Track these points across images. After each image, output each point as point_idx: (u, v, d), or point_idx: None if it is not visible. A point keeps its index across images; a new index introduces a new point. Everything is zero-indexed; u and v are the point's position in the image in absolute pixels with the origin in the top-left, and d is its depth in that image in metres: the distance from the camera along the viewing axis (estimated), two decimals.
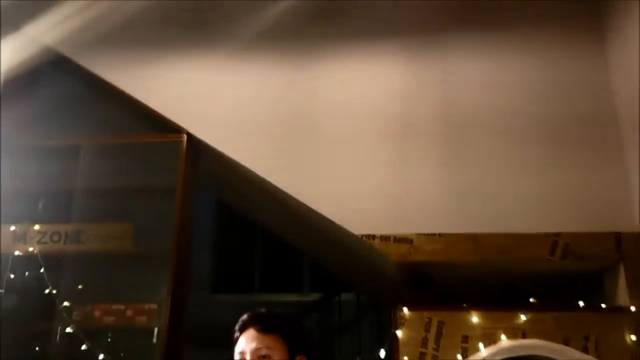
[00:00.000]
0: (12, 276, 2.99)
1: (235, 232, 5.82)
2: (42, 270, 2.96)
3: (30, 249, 3.03)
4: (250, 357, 1.73)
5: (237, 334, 1.82)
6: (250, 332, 1.78)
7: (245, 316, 1.84)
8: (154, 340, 2.87)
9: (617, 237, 2.87)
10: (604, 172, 3.00)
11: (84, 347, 2.80)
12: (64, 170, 3.24)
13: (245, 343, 1.76)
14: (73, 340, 2.85)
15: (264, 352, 1.74)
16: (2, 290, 2.97)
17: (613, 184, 2.97)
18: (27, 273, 3.05)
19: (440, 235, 2.97)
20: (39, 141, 3.27)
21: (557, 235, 2.90)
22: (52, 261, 3.04)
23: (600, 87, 3.14)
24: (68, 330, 2.85)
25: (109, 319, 2.94)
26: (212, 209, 5.88)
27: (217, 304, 5.28)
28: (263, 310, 1.87)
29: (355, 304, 4.97)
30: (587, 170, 3.01)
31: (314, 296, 5.36)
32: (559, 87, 3.16)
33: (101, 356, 2.78)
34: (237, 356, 1.78)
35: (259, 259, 5.85)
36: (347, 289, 5.05)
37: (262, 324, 1.78)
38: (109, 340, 2.94)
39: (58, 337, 2.93)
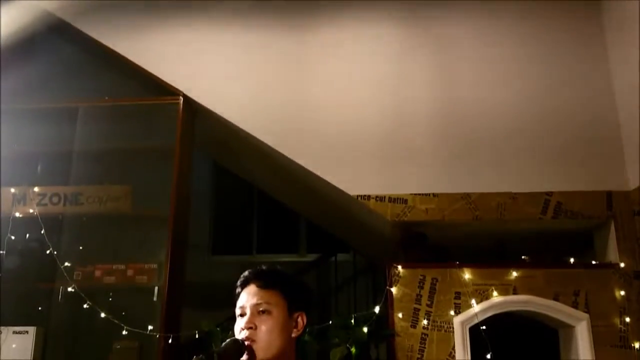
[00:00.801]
0: (12, 238, 3.02)
1: (233, 195, 5.86)
2: (42, 232, 2.99)
3: (30, 210, 3.06)
4: (250, 312, 1.77)
5: (238, 289, 1.85)
6: (251, 288, 1.80)
7: (246, 272, 1.87)
8: (154, 298, 2.94)
9: (608, 196, 2.92)
10: (598, 131, 3.02)
11: (85, 306, 2.85)
12: (62, 132, 3.25)
13: (246, 298, 1.79)
14: (75, 300, 2.90)
15: (263, 307, 1.77)
16: (4, 252, 3.00)
17: (606, 143, 3.00)
18: (27, 235, 3.09)
19: (434, 195, 3.01)
20: (36, 104, 3.27)
21: (549, 194, 2.95)
22: (52, 223, 3.07)
23: None
24: (70, 290, 2.90)
25: (110, 279, 2.99)
26: (210, 173, 5.90)
27: (216, 266, 5.36)
28: (264, 267, 1.90)
29: (352, 264, 5.05)
30: (580, 130, 3.03)
31: (311, 257, 5.43)
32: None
33: (103, 314, 2.83)
34: (237, 310, 1.82)
35: (257, 221, 5.91)
36: (343, 249, 5.13)
37: (263, 280, 1.81)
38: (110, 299, 3.00)
39: (60, 297, 2.99)
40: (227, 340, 1.76)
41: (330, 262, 5.11)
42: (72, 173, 3.21)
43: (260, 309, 1.76)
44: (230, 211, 5.91)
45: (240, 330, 1.75)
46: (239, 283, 1.84)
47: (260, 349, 1.72)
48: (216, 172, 5.85)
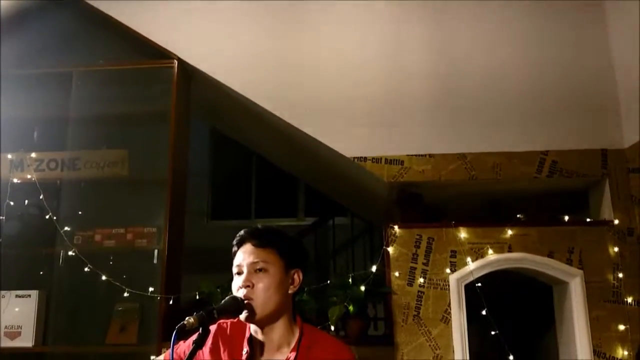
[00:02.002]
0: (12, 203, 3.04)
1: (231, 160, 5.87)
2: (41, 197, 3.00)
3: (28, 176, 3.07)
4: (247, 270, 1.79)
5: (234, 248, 1.87)
6: (247, 247, 1.83)
7: (242, 231, 1.89)
8: (155, 261, 2.97)
9: (603, 154, 2.94)
10: (593, 89, 3.02)
11: (86, 269, 2.89)
12: (57, 98, 3.24)
13: (243, 257, 1.82)
14: (76, 264, 2.94)
15: (260, 265, 1.79)
16: (3, 218, 3.03)
17: (602, 101, 3.00)
18: (26, 201, 3.10)
19: (430, 156, 3.02)
20: (30, 70, 3.25)
21: (545, 153, 2.96)
22: (51, 188, 3.09)
23: None
24: (70, 254, 2.93)
25: (110, 243, 3.03)
26: (207, 139, 5.91)
27: (215, 231, 5.41)
28: (260, 226, 1.92)
29: (349, 227, 5.10)
30: (576, 88, 3.03)
31: (309, 220, 5.47)
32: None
33: (104, 277, 2.87)
34: (234, 269, 1.85)
35: (255, 185, 5.93)
36: (341, 213, 5.17)
37: (259, 239, 1.83)
38: (111, 262, 3.04)
39: (61, 261, 3.03)
40: (227, 297, 1.79)
41: (328, 225, 5.15)
42: (69, 139, 3.21)
43: (257, 267, 1.79)
44: (228, 176, 5.93)
45: (237, 289, 1.79)
46: (235, 242, 1.87)
47: (258, 306, 1.76)
48: (214, 137, 5.86)
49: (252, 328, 1.84)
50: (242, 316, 1.77)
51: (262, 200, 5.85)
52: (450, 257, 2.88)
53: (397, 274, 2.88)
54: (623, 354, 2.70)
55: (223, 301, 1.77)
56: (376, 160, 3.05)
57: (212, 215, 5.81)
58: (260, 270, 1.78)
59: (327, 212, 5.11)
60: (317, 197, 5.21)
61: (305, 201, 5.84)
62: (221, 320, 1.89)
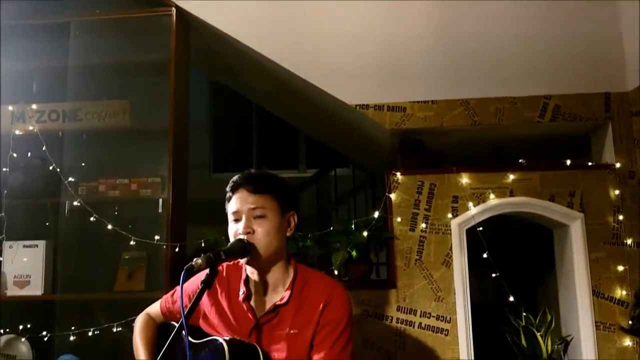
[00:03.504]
0: (15, 155, 3.05)
1: (232, 113, 5.85)
2: (44, 149, 3.00)
3: (30, 128, 3.06)
4: (246, 217, 1.81)
5: (229, 194, 1.88)
6: (243, 193, 1.84)
7: (236, 177, 1.89)
8: (160, 210, 3.00)
9: (607, 97, 2.92)
10: (597, 32, 2.98)
11: (92, 219, 2.91)
12: (56, 49, 3.20)
13: (240, 203, 1.83)
14: (81, 214, 2.96)
15: (259, 212, 1.82)
16: (7, 169, 3.04)
17: (605, 44, 2.96)
18: (29, 153, 3.11)
19: (433, 102, 3.01)
20: (27, 20, 3.20)
21: (548, 97, 2.95)
22: (53, 139, 3.09)
23: None
24: (75, 204, 2.95)
25: (114, 193, 3.03)
26: (208, 92, 5.86)
27: (217, 183, 5.40)
28: (253, 171, 1.93)
29: (351, 178, 5.12)
30: (580, 31, 2.98)
31: (310, 172, 5.48)
32: None
33: (110, 226, 2.90)
34: (231, 216, 1.86)
35: (256, 138, 5.92)
36: (342, 164, 5.18)
37: (254, 185, 1.84)
38: (116, 213, 3.07)
39: (67, 211, 3.06)
40: (233, 240, 1.82)
41: (329, 177, 5.17)
42: (69, 90, 3.19)
43: (256, 214, 1.81)
44: (229, 129, 5.91)
45: (235, 234, 1.81)
46: (228, 188, 1.88)
47: (259, 250, 1.79)
48: (214, 91, 5.81)
49: (248, 270, 1.89)
50: (244, 260, 1.81)
51: (263, 152, 5.85)
52: (452, 202, 2.91)
53: (399, 219, 2.91)
54: (621, 293, 2.76)
55: (230, 244, 1.80)
56: (378, 107, 3.04)
57: (214, 168, 5.83)
58: (259, 216, 1.81)
59: (328, 163, 5.12)
60: (318, 148, 5.22)
61: (307, 153, 5.84)
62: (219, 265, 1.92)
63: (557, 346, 2.85)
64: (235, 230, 1.82)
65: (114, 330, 2.82)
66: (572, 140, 3.18)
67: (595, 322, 2.76)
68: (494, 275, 2.80)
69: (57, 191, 3.05)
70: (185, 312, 1.60)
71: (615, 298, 2.77)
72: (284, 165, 5.72)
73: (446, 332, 2.79)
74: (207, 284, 1.68)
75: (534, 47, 2.98)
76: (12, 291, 2.94)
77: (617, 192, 2.84)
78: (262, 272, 1.85)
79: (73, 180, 3.01)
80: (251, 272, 1.88)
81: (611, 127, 2.91)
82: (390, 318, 2.83)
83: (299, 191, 4.76)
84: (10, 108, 3.11)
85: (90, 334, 2.86)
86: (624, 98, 2.91)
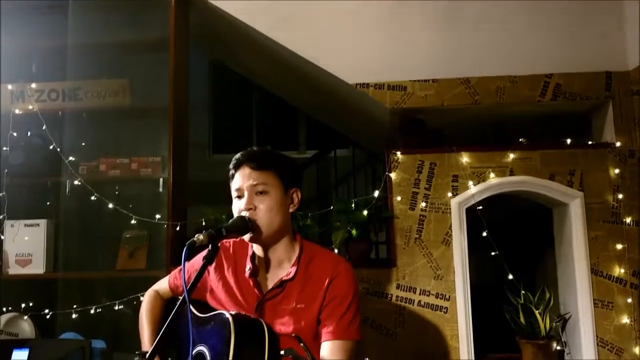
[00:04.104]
0: (15, 134, 3.05)
1: (232, 93, 5.83)
2: (44, 128, 3.00)
3: (30, 107, 3.05)
4: (248, 193, 1.83)
5: (232, 171, 1.90)
6: (246, 170, 1.86)
7: (239, 155, 1.91)
8: (160, 189, 3.01)
9: (608, 76, 2.92)
10: (599, 11, 2.96)
11: (93, 198, 2.92)
12: (55, 28, 3.18)
13: (242, 180, 1.85)
14: (82, 193, 2.97)
15: (261, 188, 1.84)
16: (7, 148, 3.04)
17: (606, 23, 2.95)
18: (29, 132, 3.10)
19: (433, 80, 3.00)
20: None
21: (549, 76, 2.94)
22: (53, 119, 3.09)
23: None
24: (76, 183, 2.96)
25: (115, 172, 3.04)
26: (207, 73, 5.84)
27: (217, 164, 5.41)
28: (256, 148, 1.94)
29: (351, 159, 5.12)
30: (581, 9, 2.97)
31: (310, 153, 5.49)
32: None
33: (110, 205, 2.91)
34: (234, 193, 1.88)
35: (256, 119, 5.91)
36: (342, 145, 5.18)
37: (257, 162, 1.86)
38: (117, 192, 3.07)
39: (67, 190, 3.07)
40: (235, 217, 1.84)
41: (329, 158, 5.18)
42: (68, 69, 3.18)
43: (258, 190, 1.83)
44: (229, 110, 5.90)
45: (239, 211, 1.83)
46: (231, 165, 1.90)
47: (261, 226, 1.81)
48: (214, 71, 5.79)
49: (254, 246, 1.91)
50: (247, 237, 1.83)
51: (263, 133, 5.85)
52: (452, 181, 2.91)
53: (399, 198, 2.92)
54: (620, 272, 2.77)
55: (231, 220, 1.82)
56: (379, 86, 3.03)
57: (214, 149, 5.83)
58: (261, 192, 1.83)
59: (328, 144, 5.12)
60: (319, 129, 5.21)
61: (307, 134, 5.83)
62: (224, 240, 1.95)
63: (555, 324, 2.88)
64: (238, 207, 1.84)
65: (116, 308, 2.84)
66: (573, 120, 3.18)
67: (594, 299, 2.78)
68: (493, 253, 2.81)
69: (57, 170, 3.06)
70: (188, 286, 1.62)
71: (614, 276, 2.78)
72: (284, 146, 5.71)
73: (445, 310, 2.82)
74: (208, 260, 1.70)
75: (536, 25, 2.96)
76: (14, 269, 2.96)
77: (617, 171, 2.84)
78: (267, 248, 1.87)
79: (73, 159, 3.02)
80: (257, 249, 1.90)
81: (612, 106, 2.91)
82: (389, 296, 2.85)
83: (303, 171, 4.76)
84: (10, 87, 3.11)
85: (92, 312, 2.87)
86: (625, 77, 2.90)
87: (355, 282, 1.85)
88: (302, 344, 1.44)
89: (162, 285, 2.10)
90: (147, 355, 1.43)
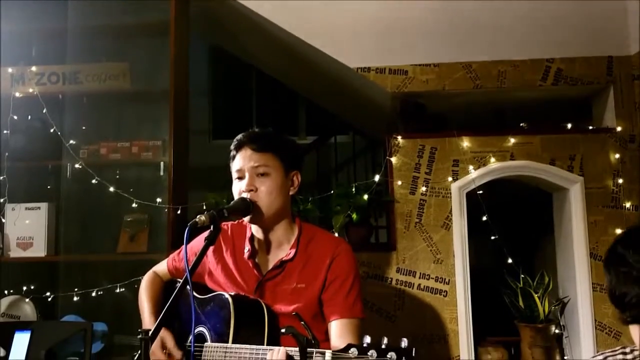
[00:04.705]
0: (15, 117, 3.04)
1: (231, 80, 5.81)
2: (44, 111, 2.99)
3: (30, 90, 3.05)
4: (249, 175, 1.83)
5: (233, 152, 1.90)
6: (246, 151, 1.86)
7: (240, 136, 1.91)
8: (161, 173, 3.01)
9: (609, 61, 2.91)
10: None
11: (94, 181, 2.92)
12: (54, 10, 3.16)
13: (243, 162, 1.85)
14: (83, 177, 2.97)
15: (261, 170, 1.84)
16: (8, 132, 3.03)
17: (608, 7, 2.93)
18: (29, 115, 3.10)
19: (435, 65, 2.99)
20: None
21: (550, 60, 2.93)
22: (53, 102, 3.07)
23: None
24: (77, 166, 2.96)
25: (116, 156, 3.03)
26: (207, 59, 5.81)
27: (217, 150, 5.39)
28: (257, 129, 1.94)
29: (351, 145, 5.11)
30: None
31: (310, 139, 5.47)
32: None
33: (111, 189, 2.91)
34: (234, 174, 1.89)
35: (256, 104, 5.90)
36: (342, 131, 5.17)
37: (258, 143, 1.86)
38: (117, 176, 3.07)
39: (68, 174, 3.07)
40: (236, 198, 1.84)
41: (329, 144, 5.16)
42: (68, 52, 3.16)
43: (259, 171, 1.83)
44: (229, 96, 5.88)
45: (239, 193, 1.83)
46: (232, 147, 1.90)
47: (262, 208, 1.81)
48: (214, 56, 5.76)
49: (253, 228, 1.91)
50: (247, 218, 1.83)
51: (263, 119, 5.82)
52: (453, 166, 2.92)
53: (399, 183, 2.93)
54: None
55: (232, 202, 1.82)
56: (380, 70, 3.02)
57: (214, 134, 5.82)
58: (262, 174, 1.83)
59: (328, 130, 5.11)
60: (319, 115, 5.19)
61: (307, 120, 5.82)
62: (222, 223, 1.95)
63: (554, 307, 2.90)
64: (239, 189, 1.84)
65: (117, 291, 2.86)
66: (574, 105, 3.18)
67: (592, 283, 2.80)
68: (492, 238, 2.82)
69: (58, 154, 3.05)
70: (190, 267, 1.62)
71: None
72: (284, 133, 5.67)
73: (445, 293, 2.83)
74: (210, 241, 1.70)
75: (537, 9, 2.94)
76: (15, 252, 2.97)
77: (617, 155, 2.85)
78: (266, 230, 1.88)
79: (74, 142, 3.01)
80: (256, 230, 1.90)
81: (613, 90, 2.91)
82: (389, 280, 2.87)
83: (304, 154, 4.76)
84: (10, 70, 3.10)
85: (93, 294, 2.89)
86: (627, 62, 2.90)
87: (356, 263, 1.86)
88: (302, 322, 1.44)
89: (161, 267, 2.11)
90: (151, 332, 1.44)
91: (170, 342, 1.79)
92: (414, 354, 1.27)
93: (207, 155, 4.99)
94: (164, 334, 1.80)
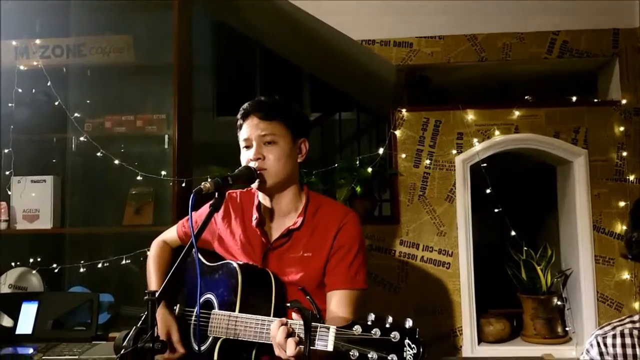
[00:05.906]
0: (20, 90, 3.04)
1: (235, 57, 5.79)
2: (48, 84, 3.00)
3: (34, 63, 3.04)
4: (257, 143, 1.83)
5: (240, 121, 1.90)
6: (254, 120, 1.85)
7: (247, 104, 1.90)
8: (166, 146, 3.02)
9: (615, 33, 2.89)
10: None
11: (99, 154, 2.93)
12: None
13: (250, 130, 1.85)
14: (88, 150, 2.98)
15: (269, 138, 1.83)
16: (13, 105, 3.04)
17: None
18: (34, 89, 3.10)
19: (440, 37, 2.98)
20: None
21: (556, 33, 2.91)
22: (57, 75, 3.07)
23: None
24: (82, 139, 2.97)
25: (120, 129, 3.04)
26: (210, 33, 5.79)
27: (222, 127, 5.40)
28: (263, 98, 1.94)
29: (355, 122, 5.11)
30: None
31: (315, 116, 5.46)
32: None
33: (116, 162, 2.92)
34: (242, 143, 1.88)
35: (260, 81, 5.88)
36: (346, 108, 5.16)
37: (265, 112, 1.85)
38: (122, 150, 3.08)
39: (73, 147, 3.08)
40: (241, 166, 1.85)
41: (334, 120, 5.16)
42: (72, 25, 3.16)
43: (266, 140, 1.83)
44: (233, 72, 5.86)
45: (247, 162, 1.84)
46: (239, 115, 1.89)
47: (270, 176, 1.82)
48: (217, 32, 5.74)
49: (261, 196, 1.92)
50: (255, 185, 1.84)
51: (267, 96, 5.81)
52: (457, 139, 2.92)
53: (403, 156, 2.93)
54: (622, 228, 2.79)
55: (237, 169, 1.83)
56: (384, 43, 3.01)
57: (218, 111, 5.82)
58: (269, 142, 1.83)
59: (332, 107, 5.10)
60: (323, 92, 5.18)
61: (311, 97, 5.81)
62: (231, 191, 1.96)
63: (556, 279, 2.91)
64: (247, 158, 1.85)
65: (123, 262, 2.88)
66: (579, 78, 3.16)
67: (595, 256, 2.81)
68: (496, 210, 2.83)
69: (63, 127, 3.07)
70: (195, 232, 1.63)
71: (616, 233, 2.81)
72: None
73: (448, 266, 2.85)
74: (215, 207, 1.70)
75: None
76: (22, 225, 2.99)
77: (621, 128, 2.84)
78: (274, 197, 1.88)
79: (79, 116, 3.02)
80: (263, 198, 1.91)
81: (618, 63, 2.89)
82: (393, 252, 2.89)
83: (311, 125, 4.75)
84: (14, 43, 3.09)
85: (99, 266, 2.92)
86: (633, 34, 2.87)
87: (362, 234, 1.86)
88: (307, 297, 1.45)
89: (170, 234, 2.12)
90: (157, 294, 1.45)
91: (175, 335, 1.82)
92: (417, 335, 1.27)
93: (211, 132, 5.01)
94: (171, 324, 1.83)
